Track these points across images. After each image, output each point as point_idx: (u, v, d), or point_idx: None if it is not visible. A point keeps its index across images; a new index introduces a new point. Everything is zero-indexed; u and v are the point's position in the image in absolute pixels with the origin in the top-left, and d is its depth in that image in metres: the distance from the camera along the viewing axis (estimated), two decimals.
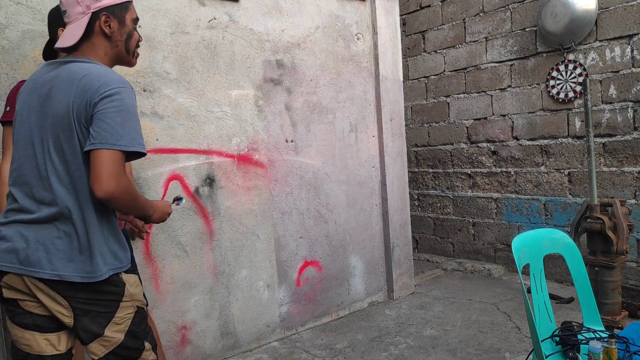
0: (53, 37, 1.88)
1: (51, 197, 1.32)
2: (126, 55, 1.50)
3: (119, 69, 2.30)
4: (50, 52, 1.94)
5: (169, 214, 1.61)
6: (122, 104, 1.31)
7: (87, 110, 1.28)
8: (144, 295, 1.52)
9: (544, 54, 3.68)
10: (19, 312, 1.37)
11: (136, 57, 1.55)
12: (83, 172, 1.32)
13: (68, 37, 1.39)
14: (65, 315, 1.34)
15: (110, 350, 1.38)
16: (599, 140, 3.40)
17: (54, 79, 1.34)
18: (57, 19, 1.85)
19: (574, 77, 3.49)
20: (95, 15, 1.39)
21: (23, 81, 1.83)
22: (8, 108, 1.76)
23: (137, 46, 1.54)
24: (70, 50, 1.41)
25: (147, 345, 1.49)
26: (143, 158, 2.34)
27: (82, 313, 1.35)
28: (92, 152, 1.26)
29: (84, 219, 1.33)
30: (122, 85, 1.33)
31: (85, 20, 1.38)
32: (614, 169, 3.36)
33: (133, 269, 1.51)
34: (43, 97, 1.34)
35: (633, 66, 3.21)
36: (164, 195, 2.46)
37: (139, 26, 2.34)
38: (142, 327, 1.47)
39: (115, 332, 1.38)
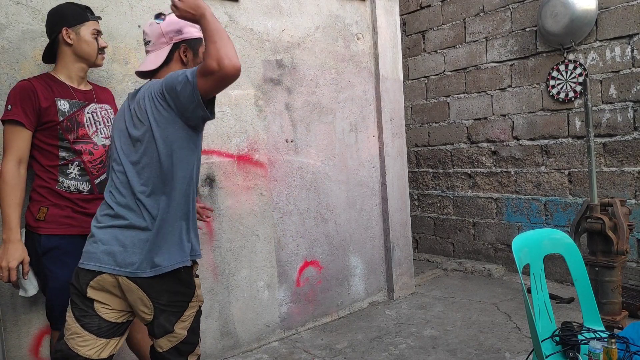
0: (55, 37, 1.89)
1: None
2: None
3: (120, 70, 2.30)
4: (50, 54, 1.94)
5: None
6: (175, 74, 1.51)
7: (155, 94, 1.51)
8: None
9: (544, 54, 3.68)
10: (90, 314, 1.53)
11: None
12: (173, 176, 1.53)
13: (151, 62, 1.65)
14: (146, 314, 1.54)
15: (174, 345, 1.59)
16: (599, 140, 3.40)
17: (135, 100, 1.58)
18: (62, 19, 1.87)
19: (574, 77, 3.49)
20: (175, 46, 1.65)
21: (23, 81, 1.83)
22: (9, 107, 1.76)
23: None
24: (149, 75, 1.67)
25: (199, 339, 1.70)
26: None
27: (160, 312, 1.54)
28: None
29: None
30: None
31: (167, 49, 1.64)
32: (614, 169, 3.36)
33: (196, 274, 1.68)
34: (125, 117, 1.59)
35: (633, 66, 3.21)
36: None
37: (139, 26, 2.35)
38: (199, 323, 1.68)
39: (181, 329, 1.59)
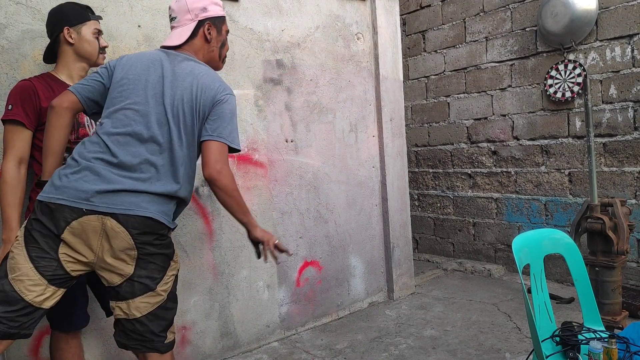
0: (57, 37, 1.88)
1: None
2: (217, 60, 1.81)
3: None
4: (51, 54, 1.93)
5: (270, 237, 1.74)
6: (233, 108, 1.65)
7: (210, 106, 1.60)
8: None
9: (544, 54, 3.68)
10: (49, 257, 1.43)
11: (224, 63, 1.88)
12: (192, 147, 1.62)
13: (176, 37, 1.71)
14: (128, 264, 1.49)
15: (152, 309, 1.52)
16: (599, 140, 3.40)
17: (176, 68, 1.62)
18: (63, 18, 1.88)
19: (573, 77, 3.49)
20: (200, 23, 1.71)
21: (23, 81, 1.83)
22: (10, 107, 1.75)
23: (226, 55, 1.86)
24: (173, 49, 1.70)
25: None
26: None
27: (144, 264, 1.51)
28: (207, 142, 1.59)
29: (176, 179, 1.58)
30: (232, 92, 1.68)
31: (192, 26, 1.71)
32: (615, 169, 3.36)
33: None
34: (163, 78, 1.60)
35: (633, 66, 3.21)
36: None
37: (139, 26, 2.35)
38: (176, 293, 1.64)
39: (162, 291, 1.55)
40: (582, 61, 3.45)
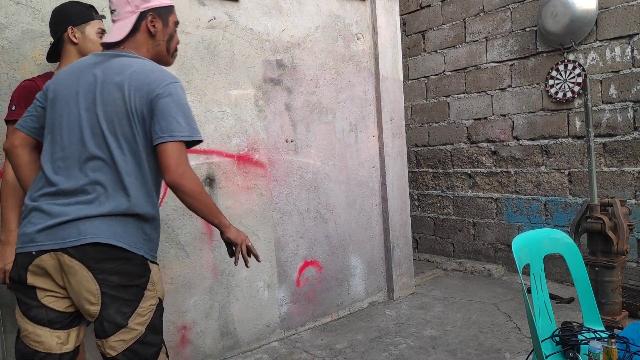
0: (60, 36, 1.86)
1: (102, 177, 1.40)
2: (165, 55, 1.61)
3: None
4: (54, 53, 1.91)
5: (244, 239, 1.62)
6: (179, 97, 1.43)
7: (148, 104, 1.39)
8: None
9: (544, 54, 3.68)
10: (34, 305, 1.38)
11: (174, 57, 1.67)
12: (138, 154, 1.42)
13: (116, 33, 1.50)
14: (93, 303, 1.35)
15: (129, 346, 1.38)
16: (599, 140, 3.40)
17: (105, 70, 1.43)
18: (67, 18, 1.86)
19: (573, 77, 3.49)
20: (142, 15, 1.51)
21: (26, 81, 1.81)
22: (14, 107, 1.75)
23: (176, 48, 1.65)
24: (114, 45, 1.51)
25: (163, 347, 1.51)
26: None
27: (110, 299, 1.35)
28: (160, 145, 1.39)
29: (131, 196, 1.40)
30: (176, 80, 1.46)
31: (133, 19, 1.50)
32: (614, 169, 3.36)
33: (155, 261, 1.54)
34: (93, 85, 1.42)
35: (633, 66, 3.21)
36: (163, 196, 2.46)
37: None
38: (161, 322, 1.49)
39: (137, 324, 1.39)
40: (582, 61, 3.45)
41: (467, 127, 4.27)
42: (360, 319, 3.22)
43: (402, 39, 4.08)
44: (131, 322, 1.38)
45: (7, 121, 1.76)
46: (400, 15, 4.06)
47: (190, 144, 1.46)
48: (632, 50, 3.20)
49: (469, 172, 4.31)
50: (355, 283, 3.37)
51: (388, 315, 3.24)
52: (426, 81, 4.59)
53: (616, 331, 2.22)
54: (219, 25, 2.65)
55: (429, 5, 4.49)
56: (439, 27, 4.42)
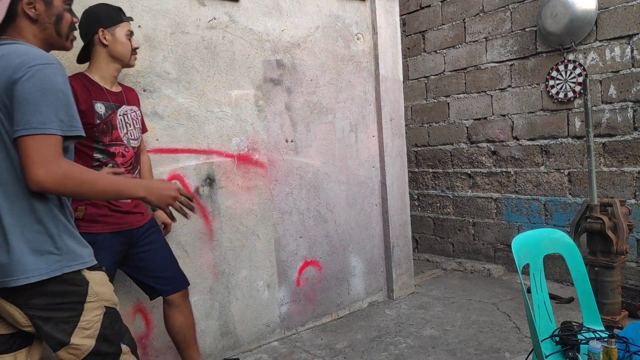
0: (90, 39, 1.90)
1: None
2: (58, 39, 1.38)
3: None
4: (84, 55, 1.96)
5: (174, 197, 1.45)
6: (44, 80, 1.18)
7: (8, 91, 1.17)
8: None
9: (544, 54, 3.68)
10: None
11: (71, 41, 1.43)
12: (7, 161, 1.21)
13: None
14: (26, 325, 1.26)
15: (82, 358, 1.28)
16: (599, 140, 3.40)
17: None
18: (98, 20, 1.90)
19: (574, 77, 3.49)
20: None
21: (72, 77, 1.79)
22: None
23: (73, 29, 1.41)
24: None
25: (124, 348, 1.38)
26: None
27: (41, 321, 1.24)
28: (17, 140, 1.17)
29: (12, 213, 1.21)
30: (47, 62, 1.21)
31: (6, 3, 1.26)
32: (614, 169, 3.36)
33: (98, 266, 1.38)
34: None
35: (633, 66, 3.21)
36: None
37: (139, 26, 2.35)
38: (115, 329, 1.36)
39: (84, 339, 1.28)
40: (581, 61, 3.45)
41: (467, 127, 4.28)
42: (360, 318, 3.23)
43: (402, 39, 4.08)
44: (74, 337, 1.26)
45: None
46: (400, 15, 4.06)
47: (67, 139, 1.24)
48: (632, 50, 3.21)
49: (469, 172, 4.31)
50: (355, 283, 3.37)
51: (388, 315, 3.25)
52: (426, 81, 4.59)
53: (616, 331, 2.22)
54: (219, 26, 2.65)
55: (429, 6, 4.49)
56: (439, 27, 4.42)
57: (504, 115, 3.99)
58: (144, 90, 2.38)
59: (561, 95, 3.57)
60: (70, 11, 1.40)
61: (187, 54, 2.53)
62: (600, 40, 3.36)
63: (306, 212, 3.09)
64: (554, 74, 3.60)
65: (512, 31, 3.87)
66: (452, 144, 4.41)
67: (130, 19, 2.02)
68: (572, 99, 3.52)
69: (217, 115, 2.65)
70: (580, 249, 1.99)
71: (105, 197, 1.42)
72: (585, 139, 3.33)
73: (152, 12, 2.40)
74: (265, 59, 2.86)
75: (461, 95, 4.28)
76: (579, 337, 1.75)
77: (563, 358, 1.71)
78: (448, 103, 4.40)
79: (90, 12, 1.93)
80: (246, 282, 2.80)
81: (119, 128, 1.95)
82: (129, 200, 1.93)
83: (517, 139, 3.92)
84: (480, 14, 4.08)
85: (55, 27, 1.35)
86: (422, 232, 4.80)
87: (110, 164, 1.92)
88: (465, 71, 4.23)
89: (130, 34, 1.98)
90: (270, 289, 2.91)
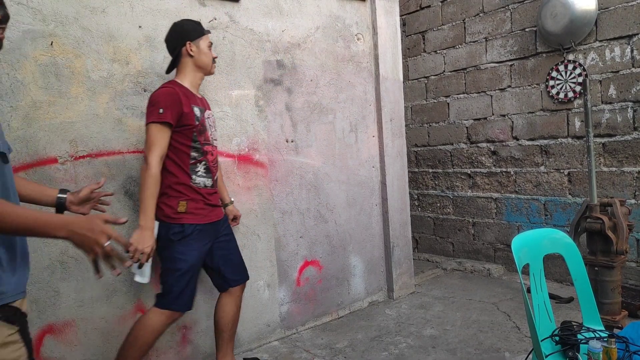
0: (179, 51, 2.12)
1: None
2: None
3: (121, 70, 2.30)
4: (172, 65, 2.20)
5: (98, 244, 1.11)
6: None
7: None
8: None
9: (544, 54, 3.68)
10: None
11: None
12: None
13: None
14: None
15: None
16: (598, 140, 3.41)
17: None
18: (186, 33, 2.12)
19: (574, 77, 3.50)
20: None
21: (168, 87, 2.03)
22: (161, 110, 1.97)
23: None
24: None
25: None
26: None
27: None
28: None
29: None
30: None
31: None
32: (614, 169, 3.37)
33: (2, 315, 1.09)
34: None
35: (633, 66, 3.22)
36: None
37: (140, 27, 2.35)
38: None
39: None
40: (581, 61, 3.46)
41: (466, 127, 4.28)
42: (361, 318, 3.23)
43: (402, 39, 4.08)
44: None
45: (153, 121, 1.98)
46: (400, 15, 4.06)
47: None
48: (632, 51, 3.21)
49: (469, 172, 4.31)
50: (356, 282, 3.38)
51: (388, 315, 3.25)
52: (426, 81, 4.59)
53: (616, 331, 2.23)
54: (220, 26, 2.65)
55: (429, 6, 4.49)
56: (439, 27, 4.43)
57: (503, 116, 3.99)
58: (145, 91, 2.38)
59: (561, 95, 3.58)
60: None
61: None
62: (600, 41, 3.36)
63: (306, 212, 3.09)
64: (554, 74, 3.60)
65: (512, 31, 3.87)
66: (452, 144, 4.42)
67: (209, 31, 2.22)
68: (572, 99, 3.53)
69: (217, 115, 2.65)
70: (580, 249, 1.99)
71: (16, 233, 1.11)
72: (585, 139, 3.34)
73: (152, 13, 2.41)
74: (265, 59, 2.86)
75: (461, 96, 4.28)
76: (579, 336, 1.76)
77: (563, 358, 1.72)
78: (448, 103, 4.40)
79: (178, 26, 2.16)
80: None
81: (208, 129, 2.17)
82: (216, 194, 2.24)
83: (517, 139, 3.92)
84: (480, 15, 4.09)
85: None
86: (422, 232, 4.81)
87: (203, 162, 2.14)
88: (465, 71, 4.23)
89: (211, 45, 2.20)
90: (271, 289, 2.92)
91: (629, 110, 3.26)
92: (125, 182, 2.33)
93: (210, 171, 2.18)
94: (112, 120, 2.29)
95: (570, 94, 3.52)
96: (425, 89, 4.61)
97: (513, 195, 4.00)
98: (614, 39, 3.29)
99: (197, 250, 2.11)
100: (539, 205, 3.83)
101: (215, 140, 2.26)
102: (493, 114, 4.07)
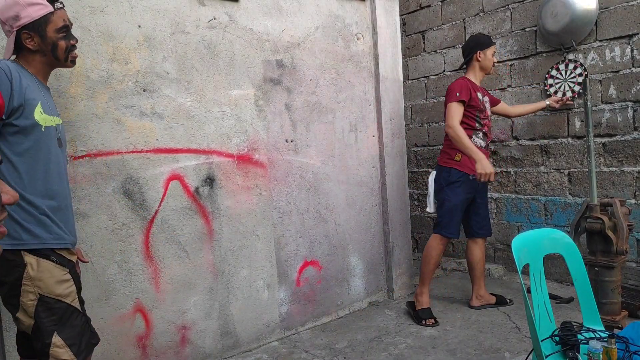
0: (471, 56, 3.13)
1: None
2: (57, 63, 1.67)
3: (120, 70, 2.30)
4: (464, 65, 3.23)
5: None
6: None
7: None
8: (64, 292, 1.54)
9: (544, 54, 3.68)
10: None
11: (72, 61, 1.70)
12: None
13: (5, 51, 1.61)
14: None
15: (30, 331, 1.50)
16: (598, 140, 3.40)
17: None
18: (478, 44, 3.11)
19: (574, 77, 3.49)
20: (18, 33, 1.54)
21: (462, 79, 3.09)
22: (457, 94, 2.96)
23: (70, 50, 1.67)
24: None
25: (57, 341, 1.49)
26: (143, 158, 2.36)
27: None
28: None
29: None
30: None
31: (12, 38, 1.55)
32: (614, 169, 3.36)
33: (56, 259, 1.54)
34: None
35: (633, 66, 3.21)
36: (164, 196, 2.46)
37: (139, 26, 2.35)
38: (49, 320, 1.48)
39: (25, 317, 1.47)
40: (582, 61, 3.45)
41: None
42: (360, 318, 3.22)
43: (402, 39, 4.07)
44: (19, 314, 1.48)
45: (453, 102, 2.97)
46: (400, 15, 4.06)
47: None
48: (632, 50, 3.20)
49: None
50: (355, 283, 3.37)
51: (388, 315, 3.25)
52: (426, 81, 4.59)
53: (616, 331, 2.22)
54: (219, 25, 2.65)
55: (429, 6, 4.49)
56: (439, 27, 4.42)
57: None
58: (144, 90, 2.38)
59: (559, 94, 3.57)
60: (64, 38, 1.64)
61: (187, 53, 2.53)
62: (600, 40, 3.36)
63: (306, 212, 3.09)
64: (554, 72, 3.60)
65: (512, 31, 3.87)
66: None
67: (494, 43, 3.17)
68: (571, 98, 3.52)
69: (217, 115, 2.65)
70: (580, 249, 1.98)
71: None
72: (585, 138, 3.33)
73: (152, 12, 2.40)
74: (265, 58, 2.86)
75: None
76: (579, 337, 1.75)
77: (563, 358, 1.71)
78: None
79: (473, 38, 3.18)
80: (246, 282, 2.80)
81: (487, 109, 3.12)
82: (487, 150, 3.16)
83: (517, 139, 3.92)
84: (480, 14, 4.08)
85: (53, 54, 1.63)
86: (422, 232, 4.80)
87: (482, 131, 3.07)
88: None
89: (494, 53, 3.14)
90: (270, 289, 2.91)
91: (629, 110, 3.25)
92: (124, 182, 2.33)
93: (486, 136, 3.11)
94: (111, 120, 2.29)
95: (569, 94, 3.52)
96: (425, 89, 4.60)
97: (513, 195, 3.99)
98: (614, 38, 3.28)
99: (459, 196, 3.01)
100: (539, 205, 3.82)
101: (491, 116, 3.20)
102: (493, 114, 4.06)
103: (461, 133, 2.90)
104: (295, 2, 3.00)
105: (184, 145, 2.53)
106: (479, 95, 3.05)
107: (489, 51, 3.10)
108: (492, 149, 4.09)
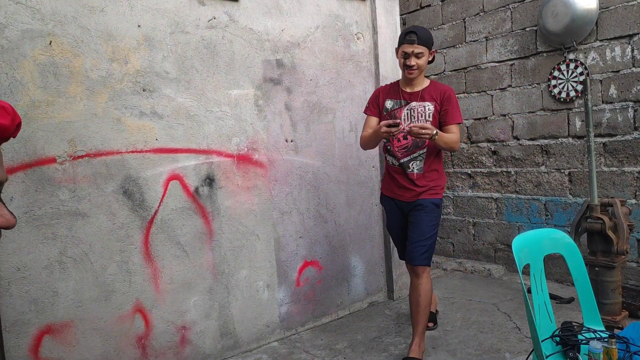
0: None
1: None
2: None
3: (120, 70, 2.29)
4: None
5: None
6: None
7: None
8: None
9: (545, 54, 3.67)
10: None
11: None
12: None
13: None
14: None
15: None
16: (599, 140, 3.40)
17: None
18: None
19: (576, 77, 3.49)
20: None
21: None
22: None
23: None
24: None
25: None
26: (143, 157, 2.36)
27: None
28: None
29: None
30: None
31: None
32: (615, 168, 3.36)
33: None
34: None
35: (633, 66, 3.21)
36: (163, 196, 2.45)
37: (139, 26, 2.35)
38: None
39: None
40: (582, 61, 3.45)
41: (467, 127, 4.27)
42: (360, 318, 3.22)
43: None
44: None
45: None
46: (400, 15, 4.05)
47: None
48: (632, 50, 3.20)
49: (469, 172, 4.30)
50: (355, 283, 3.37)
51: (388, 315, 3.24)
52: None
53: (616, 331, 2.22)
54: (219, 25, 2.65)
55: (429, 5, 4.49)
56: (439, 26, 4.42)
57: (504, 115, 3.98)
58: (144, 90, 2.38)
59: (563, 94, 3.57)
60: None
61: (187, 53, 2.53)
62: (600, 40, 3.35)
63: (306, 212, 3.08)
64: (556, 73, 3.59)
65: (513, 31, 3.86)
66: None
67: (407, 41, 2.47)
68: (574, 98, 3.52)
69: (216, 115, 2.65)
70: (580, 249, 1.98)
71: None
72: (585, 138, 3.32)
73: (151, 12, 2.40)
74: (265, 58, 2.85)
75: (461, 95, 4.27)
76: (580, 337, 1.75)
77: (563, 358, 1.71)
78: None
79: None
80: (246, 282, 2.79)
81: (400, 118, 2.59)
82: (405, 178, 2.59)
83: (518, 139, 3.92)
84: (481, 14, 4.08)
85: None
86: None
87: (389, 148, 2.61)
88: (466, 71, 4.22)
89: (403, 54, 2.48)
90: (270, 289, 2.91)
91: (630, 110, 3.25)
92: (124, 182, 2.33)
93: (406, 153, 2.58)
94: (110, 119, 2.29)
95: (572, 94, 3.52)
96: None
97: (513, 195, 3.99)
98: (615, 38, 3.28)
99: (388, 217, 2.77)
100: (539, 205, 3.82)
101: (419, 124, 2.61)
102: (493, 114, 4.06)
103: (362, 140, 2.60)
104: (295, 1, 2.99)
105: (184, 145, 2.53)
106: (388, 103, 2.59)
107: (399, 51, 2.51)
108: (493, 149, 4.09)
